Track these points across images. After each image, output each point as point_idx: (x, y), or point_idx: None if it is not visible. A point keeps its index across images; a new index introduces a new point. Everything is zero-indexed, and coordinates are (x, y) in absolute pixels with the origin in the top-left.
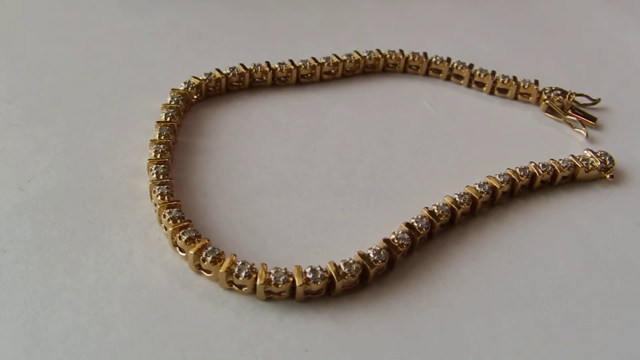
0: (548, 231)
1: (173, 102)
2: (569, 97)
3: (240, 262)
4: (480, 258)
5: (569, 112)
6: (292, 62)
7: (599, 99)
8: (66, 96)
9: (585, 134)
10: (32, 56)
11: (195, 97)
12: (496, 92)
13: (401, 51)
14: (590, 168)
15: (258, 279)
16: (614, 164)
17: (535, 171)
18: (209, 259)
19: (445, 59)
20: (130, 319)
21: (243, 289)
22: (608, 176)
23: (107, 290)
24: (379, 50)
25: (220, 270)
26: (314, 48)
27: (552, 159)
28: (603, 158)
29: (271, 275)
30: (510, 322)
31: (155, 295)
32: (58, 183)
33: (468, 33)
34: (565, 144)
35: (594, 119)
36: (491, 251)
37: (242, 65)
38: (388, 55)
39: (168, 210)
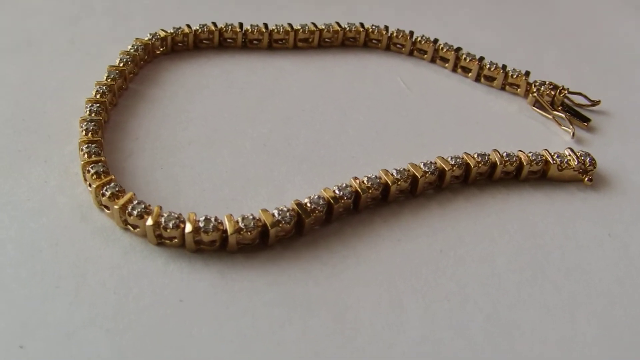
0: (496, 225)
1: (132, 50)
2: (560, 93)
3: (136, 202)
4: (407, 240)
5: (559, 108)
6: (265, 25)
7: (599, 101)
8: (40, 38)
9: (571, 133)
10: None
11: (160, 49)
12: (482, 79)
13: (385, 27)
14: (564, 167)
15: (148, 220)
16: (595, 167)
17: (497, 159)
18: (108, 194)
19: (431, 39)
20: (21, 242)
21: (136, 230)
22: (586, 179)
23: (10, 214)
24: (361, 24)
25: (115, 207)
26: (301, 19)
27: (520, 150)
28: (583, 159)
29: (162, 218)
30: (418, 312)
31: (52, 224)
32: (2, 112)
33: (472, 20)
34: (547, 140)
35: (587, 120)
36: (422, 235)
37: (213, 23)
38: (370, 30)
39: (86, 145)
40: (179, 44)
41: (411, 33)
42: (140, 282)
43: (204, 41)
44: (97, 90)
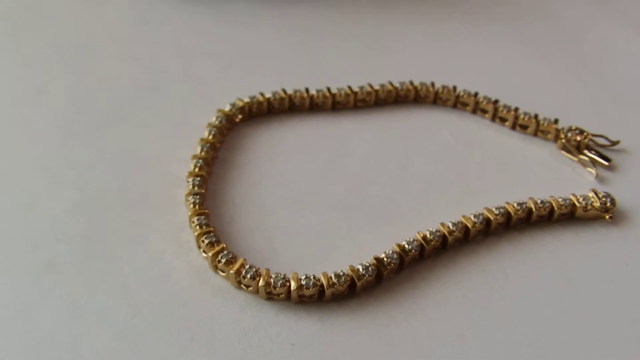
0: (535, 263)
1: (217, 122)
2: (586, 137)
3: (248, 266)
4: (465, 281)
5: (584, 151)
6: (329, 89)
7: (619, 141)
8: (126, 108)
9: (595, 174)
10: (101, 70)
11: (239, 117)
12: (517, 127)
13: (432, 83)
14: (589, 208)
15: (260, 281)
16: (614, 206)
17: (533, 206)
18: (224, 261)
19: (472, 93)
20: (154, 305)
21: (249, 289)
22: (607, 217)
23: (138, 281)
24: (411, 82)
25: (231, 272)
26: (353, 77)
27: (552, 196)
28: (604, 199)
29: (271, 279)
30: (478, 342)
31: (177, 288)
32: (111, 187)
33: (500, 68)
34: (574, 182)
35: (608, 160)
36: (476, 276)
37: (283, 90)
38: (419, 87)
39: (197, 218)
40: (254, 111)
41: (454, 88)
42: (258, 332)
43: (275, 107)
44: (195, 164)
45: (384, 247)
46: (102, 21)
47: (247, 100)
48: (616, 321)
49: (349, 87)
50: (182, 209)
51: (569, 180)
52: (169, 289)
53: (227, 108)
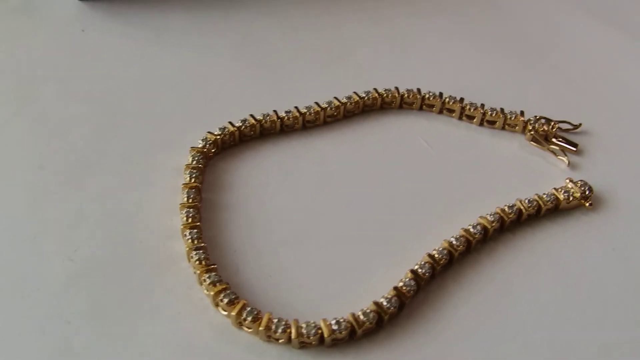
0: (533, 263)
1: (194, 162)
2: (553, 127)
3: (277, 320)
4: (476, 294)
5: (552, 140)
6: (297, 109)
7: (580, 124)
8: (92, 157)
9: (567, 162)
10: (52, 112)
11: (212, 151)
12: (485, 123)
13: (396, 89)
14: (571, 199)
15: (292, 334)
16: (592, 193)
17: (522, 207)
18: (249, 318)
19: (437, 94)
20: None
21: (280, 341)
22: (587, 204)
23: (164, 352)
24: (376, 90)
25: (261, 329)
26: (314, 89)
27: (536, 194)
28: (583, 188)
29: (303, 329)
30: (501, 352)
31: (205, 353)
32: (102, 251)
33: (456, 65)
34: (548, 172)
35: (575, 145)
36: (485, 287)
37: (252, 116)
38: (385, 94)
39: (207, 275)
40: (225, 142)
41: (419, 90)
42: None
43: (247, 135)
44: (187, 215)
45: (394, 273)
46: (37, 56)
47: (217, 132)
48: (613, 304)
49: (317, 104)
50: (183, 263)
51: (543, 171)
52: (197, 355)
53: (199, 144)
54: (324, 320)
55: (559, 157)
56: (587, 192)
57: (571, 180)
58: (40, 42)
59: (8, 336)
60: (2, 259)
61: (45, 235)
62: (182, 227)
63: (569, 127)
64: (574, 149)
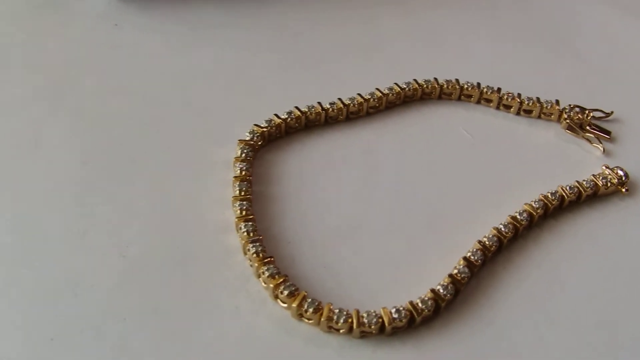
0: (577, 248)
1: (243, 155)
2: (587, 115)
3: (338, 310)
4: (525, 279)
5: (587, 128)
6: (341, 101)
7: (612, 112)
8: (137, 151)
9: (602, 149)
10: (91, 107)
11: (259, 144)
12: (522, 112)
13: (435, 80)
14: (609, 185)
15: (354, 324)
16: (628, 178)
17: (564, 193)
18: (311, 310)
19: (475, 84)
20: None
21: (341, 331)
22: (624, 190)
23: (224, 347)
24: (416, 81)
25: (322, 319)
26: (352, 81)
27: (577, 181)
28: (619, 174)
29: (364, 319)
30: (553, 334)
31: (265, 346)
32: (154, 245)
33: (486, 55)
34: (584, 159)
35: (608, 133)
36: (533, 272)
37: (297, 108)
38: (425, 85)
39: (266, 267)
40: (273, 135)
41: (457, 81)
42: None
43: (292, 127)
44: (240, 207)
45: (447, 260)
46: (71, 51)
47: (264, 125)
48: None
49: (360, 95)
50: (237, 257)
51: (579, 158)
52: (256, 348)
53: (247, 137)
54: (384, 308)
55: (593, 144)
56: (623, 178)
57: (607, 167)
58: (72, 38)
59: (64, 337)
60: (54, 258)
61: (96, 231)
62: (236, 220)
63: (601, 115)
64: (607, 136)
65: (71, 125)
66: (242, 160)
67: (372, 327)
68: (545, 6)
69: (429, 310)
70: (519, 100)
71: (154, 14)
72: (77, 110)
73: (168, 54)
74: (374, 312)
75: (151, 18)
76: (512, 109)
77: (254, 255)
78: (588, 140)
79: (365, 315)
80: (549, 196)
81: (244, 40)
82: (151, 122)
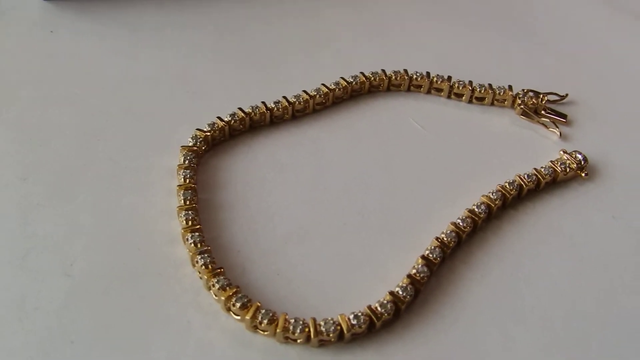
0: (538, 237)
1: (186, 162)
2: (542, 99)
3: (293, 320)
4: (487, 273)
5: (542, 112)
6: (286, 99)
7: (566, 95)
8: (78, 164)
9: (558, 134)
10: (30, 119)
11: (203, 149)
12: (474, 100)
13: (383, 71)
14: (568, 171)
15: (312, 333)
16: (587, 162)
17: (522, 182)
18: (265, 321)
19: (425, 74)
20: None
21: (298, 341)
22: (583, 174)
23: None
24: (363, 74)
25: (278, 331)
26: (298, 77)
27: (534, 168)
28: (577, 158)
29: (322, 327)
30: (520, 329)
31: (223, 357)
32: (100, 262)
33: (439, 45)
34: (541, 145)
35: (564, 116)
36: (495, 266)
37: (240, 109)
38: (372, 78)
39: (216, 279)
40: (216, 138)
41: (406, 72)
42: None
43: (237, 129)
44: (185, 217)
45: (404, 260)
46: (6, 60)
47: (206, 129)
48: (620, 270)
49: (305, 92)
50: (186, 269)
51: (536, 144)
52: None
53: (189, 143)
54: (342, 315)
55: (550, 129)
56: (582, 162)
57: (565, 152)
58: (6, 47)
59: None
60: None
61: (38, 251)
62: (182, 231)
63: (556, 98)
64: (564, 120)
65: (7, 140)
66: (186, 168)
67: (331, 335)
68: None
69: (388, 314)
70: (470, 88)
71: (92, 17)
72: (14, 124)
73: (107, 59)
74: (332, 319)
75: (89, 22)
76: (463, 97)
77: (203, 267)
78: (544, 125)
79: (322, 323)
80: (507, 186)
81: (185, 40)
82: (92, 132)
